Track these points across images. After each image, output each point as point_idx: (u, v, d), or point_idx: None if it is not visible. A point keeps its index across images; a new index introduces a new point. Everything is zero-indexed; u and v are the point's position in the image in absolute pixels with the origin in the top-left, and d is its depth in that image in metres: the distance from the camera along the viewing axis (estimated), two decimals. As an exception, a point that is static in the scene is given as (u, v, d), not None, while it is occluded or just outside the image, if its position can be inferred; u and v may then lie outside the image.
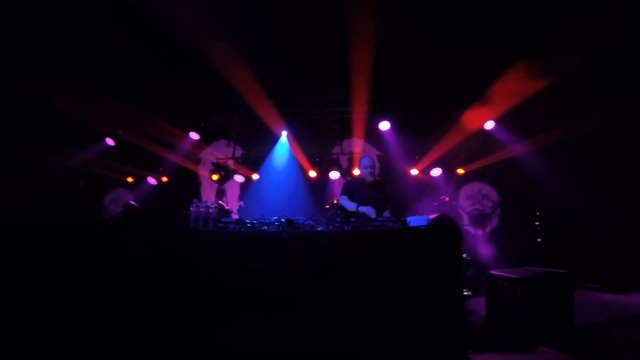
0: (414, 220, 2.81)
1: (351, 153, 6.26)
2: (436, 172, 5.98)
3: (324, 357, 2.46)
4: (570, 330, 2.98)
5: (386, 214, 3.33)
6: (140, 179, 6.83)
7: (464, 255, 4.50)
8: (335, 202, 3.65)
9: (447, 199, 5.74)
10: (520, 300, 2.90)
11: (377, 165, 3.85)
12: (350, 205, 3.28)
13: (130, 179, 6.88)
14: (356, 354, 2.47)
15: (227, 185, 6.65)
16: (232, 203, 6.46)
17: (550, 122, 5.25)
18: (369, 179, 3.44)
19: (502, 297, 3.07)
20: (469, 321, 3.19)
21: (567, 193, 5.06)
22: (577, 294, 3.15)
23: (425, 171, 6.08)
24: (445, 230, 2.72)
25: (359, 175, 3.55)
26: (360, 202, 3.27)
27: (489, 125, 5.85)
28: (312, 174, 6.20)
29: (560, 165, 5.23)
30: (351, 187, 3.48)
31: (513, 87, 5.17)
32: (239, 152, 6.65)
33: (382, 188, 3.54)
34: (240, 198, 6.51)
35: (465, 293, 4.09)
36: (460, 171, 6.07)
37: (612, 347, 2.72)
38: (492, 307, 3.18)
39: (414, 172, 6.07)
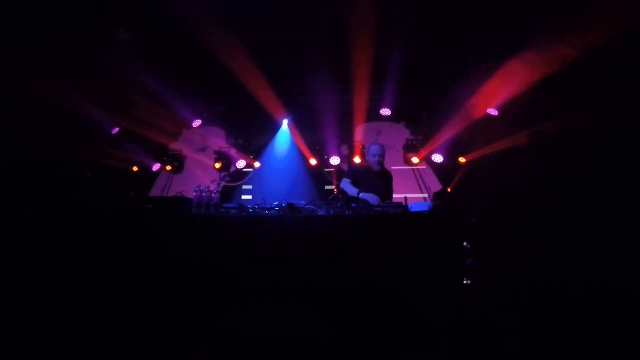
0: (415, 206, 2.84)
1: (351, 141, 6.26)
2: (437, 158, 5.96)
3: (325, 342, 2.51)
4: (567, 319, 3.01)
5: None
6: (145, 168, 6.87)
7: (465, 243, 4.52)
8: (335, 191, 3.65)
9: (449, 189, 5.73)
10: (521, 289, 2.93)
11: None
12: (352, 191, 3.26)
13: (135, 168, 6.91)
14: (355, 339, 2.52)
15: (230, 173, 6.67)
16: (232, 190, 6.49)
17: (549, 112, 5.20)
18: (376, 167, 3.40)
19: (502, 286, 3.11)
20: (468, 309, 3.23)
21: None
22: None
23: (426, 159, 6.07)
24: (446, 216, 2.75)
25: (366, 161, 3.51)
26: (364, 190, 3.23)
27: (493, 111, 5.81)
28: (313, 161, 6.24)
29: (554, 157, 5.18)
30: (356, 172, 3.44)
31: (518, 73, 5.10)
32: (240, 140, 6.67)
33: (389, 178, 3.49)
34: (242, 185, 6.55)
35: (464, 282, 4.12)
36: (462, 159, 6.04)
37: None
38: (492, 296, 3.22)
39: (415, 160, 6.06)
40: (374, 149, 3.44)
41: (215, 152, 6.66)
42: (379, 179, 3.41)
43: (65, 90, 5.35)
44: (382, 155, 3.40)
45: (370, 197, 3.11)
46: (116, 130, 6.83)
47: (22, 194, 4.79)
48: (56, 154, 5.77)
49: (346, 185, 3.34)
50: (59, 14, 4.41)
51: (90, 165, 6.54)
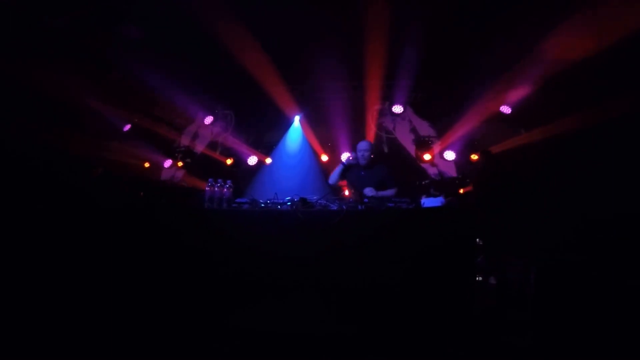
0: (427, 202, 2.82)
1: (363, 137, 6.24)
2: (449, 156, 5.90)
3: (337, 338, 2.49)
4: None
5: (390, 191, 3.53)
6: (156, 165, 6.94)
7: (477, 240, 4.46)
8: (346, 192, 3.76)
9: (461, 190, 5.66)
10: (533, 286, 2.88)
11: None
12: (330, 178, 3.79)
13: (147, 164, 6.98)
14: (366, 335, 2.50)
15: (240, 169, 6.70)
16: (243, 186, 6.52)
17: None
18: (363, 162, 3.70)
19: (513, 282, 3.06)
20: (479, 305, 3.18)
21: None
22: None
23: (439, 156, 6.01)
24: (459, 212, 2.72)
25: (355, 158, 3.79)
26: (352, 181, 3.70)
27: (506, 109, 5.75)
28: (324, 158, 6.23)
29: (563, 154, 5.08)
30: (345, 168, 3.77)
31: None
32: (252, 136, 6.70)
33: (379, 168, 3.77)
34: (253, 182, 6.58)
35: (477, 278, 4.06)
36: (474, 157, 5.96)
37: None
38: (503, 292, 3.17)
39: (427, 157, 6.01)
40: (361, 145, 3.77)
41: (227, 149, 6.71)
42: (366, 172, 3.71)
43: (76, 87, 5.43)
44: (367, 150, 3.70)
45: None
46: (128, 127, 6.95)
47: (32, 190, 4.87)
48: (68, 150, 5.86)
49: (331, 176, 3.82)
50: (71, 11, 4.48)
51: (102, 162, 6.64)
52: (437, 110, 6.18)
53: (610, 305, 2.85)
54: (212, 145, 6.91)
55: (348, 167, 3.74)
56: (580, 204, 4.70)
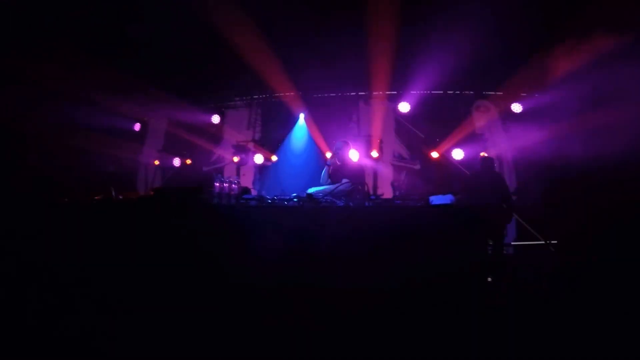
0: (436, 199, 2.79)
1: (369, 136, 6.23)
2: (457, 154, 5.85)
3: (336, 338, 2.44)
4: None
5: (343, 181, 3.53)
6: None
7: (488, 240, 4.41)
8: None
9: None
10: (546, 287, 2.85)
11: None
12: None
13: (156, 162, 7.07)
14: (372, 334, 2.48)
15: (246, 166, 6.74)
16: (250, 184, 6.56)
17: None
18: (338, 160, 4.00)
19: (525, 283, 3.03)
20: (489, 307, 3.15)
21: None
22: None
23: (447, 154, 5.97)
24: (468, 210, 2.69)
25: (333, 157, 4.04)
26: (331, 178, 3.89)
27: (516, 108, 5.70)
28: (329, 155, 6.23)
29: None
30: (330, 168, 4.04)
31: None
32: (258, 134, 6.73)
33: (349, 165, 4.06)
34: (259, 179, 6.62)
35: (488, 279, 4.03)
36: (483, 154, 5.90)
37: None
38: (515, 293, 3.14)
39: (435, 154, 5.97)
40: (336, 144, 4.12)
41: (234, 147, 6.75)
42: (340, 168, 3.98)
43: (87, 86, 5.51)
44: (340, 149, 4.05)
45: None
46: (138, 126, 7.05)
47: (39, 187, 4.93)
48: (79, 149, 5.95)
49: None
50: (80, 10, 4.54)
51: (113, 160, 6.74)
52: (446, 108, 6.14)
53: (619, 305, 2.81)
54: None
55: (332, 167, 4.02)
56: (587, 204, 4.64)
